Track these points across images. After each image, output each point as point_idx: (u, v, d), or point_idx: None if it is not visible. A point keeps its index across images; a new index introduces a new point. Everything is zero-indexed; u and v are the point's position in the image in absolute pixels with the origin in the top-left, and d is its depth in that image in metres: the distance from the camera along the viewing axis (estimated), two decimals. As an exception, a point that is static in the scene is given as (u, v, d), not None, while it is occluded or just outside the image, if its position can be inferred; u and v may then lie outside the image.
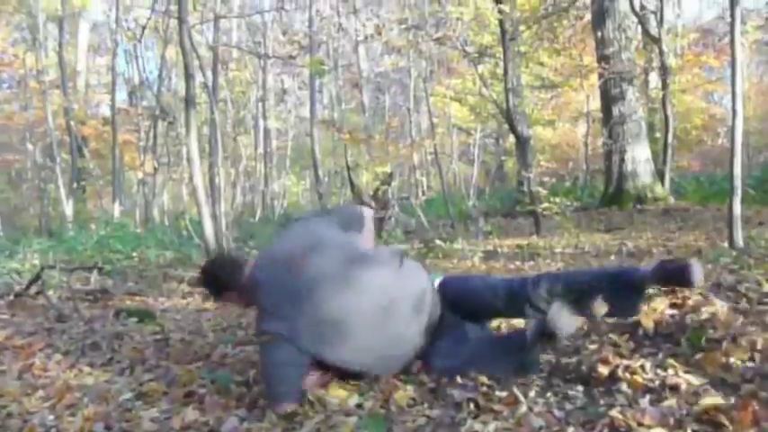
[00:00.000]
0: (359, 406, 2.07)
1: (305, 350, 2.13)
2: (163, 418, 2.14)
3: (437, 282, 2.48)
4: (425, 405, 2.04)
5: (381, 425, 1.85)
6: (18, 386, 2.66)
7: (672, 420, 1.76)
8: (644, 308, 3.08)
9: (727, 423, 1.71)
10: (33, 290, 5.01)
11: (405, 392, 2.11)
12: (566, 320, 2.10)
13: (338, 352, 2.16)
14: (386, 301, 2.20)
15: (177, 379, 2.56)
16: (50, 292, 4.87)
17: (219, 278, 2.43)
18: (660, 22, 10.29)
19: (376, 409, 2.02)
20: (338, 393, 2.15)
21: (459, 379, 2.21)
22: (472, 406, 1.98)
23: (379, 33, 9.31)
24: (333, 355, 2.16)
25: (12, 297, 4.94)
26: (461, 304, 2.40)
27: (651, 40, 10.70)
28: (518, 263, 5.21)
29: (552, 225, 7.30)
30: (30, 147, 20.08)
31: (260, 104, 16.59)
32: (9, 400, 2.46)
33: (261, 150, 17.39)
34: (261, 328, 2.22)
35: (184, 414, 2.12)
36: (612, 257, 5.03)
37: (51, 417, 2.22)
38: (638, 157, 9.77)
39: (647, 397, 1.95)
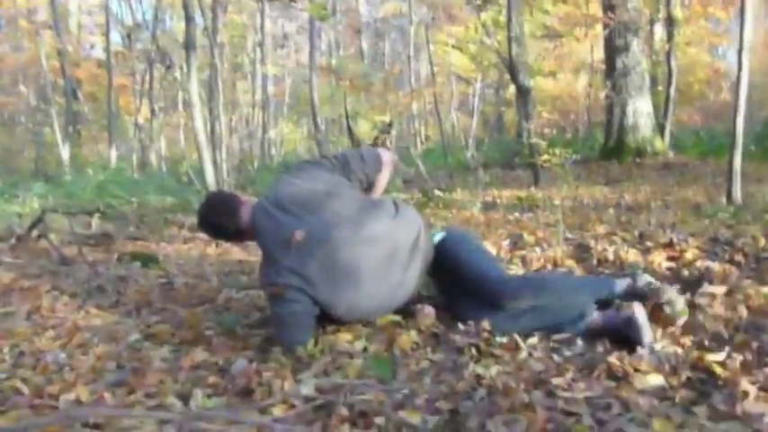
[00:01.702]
0: (364, 349, 2.13)
1: (315, 297, 2.16)
2: (172, 358, 2.20)
3: (437, 238, 2.50)
4: (428, 349, 2.11)
5: (387, 367, 1.90)
6: (28, 326, 2.72)
7: (667, 367, 1.83)
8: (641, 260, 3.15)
9: (719, 371, 1.77)
10: (35, 233, 5.03)
11: (408, 336, 2.18)
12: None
13: (349, 297, 2.18)
14: (390, 247, 2.22)
15: (184, 321, 2.61)
16: (52, 236, 4.89)
17: (217, 224, 2.42)
18: (668, -28, 10.08)
19: (381, 353, 2.09)
20: (344, 337, 2.21)
21: (460, 325, 2.27)
22: (474, 351, 2.05)
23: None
24: (343, 300, 2.18)
25: (14, 240, 4.98)
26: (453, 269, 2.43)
27: (658, -11, 10.49)
28: (516, 214, 5.24)
29: (551, 177, 7.31)
30: (23, 89, 19.81)
31: (258, 49, 16.30)
32: (20, 339, 2.52)
33: (259, 97, 17.19)
34: (270, 280, 2.21)
35: (193, 355, 2.18)
36: (611, 211, 5.06)
37: (63, 355, 2.28)
38: (640, 109, 9.70)
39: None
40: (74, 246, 4.70)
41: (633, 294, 2.29)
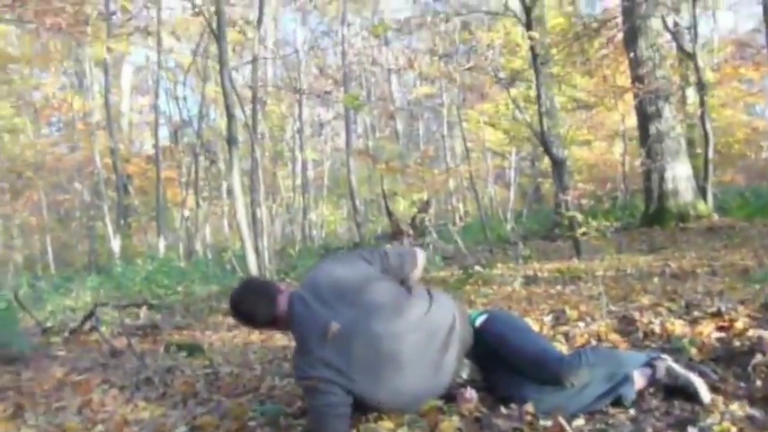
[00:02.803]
0: (407, 434, 2.12)
1: (351, 388, 2.17)
2: (217, 451, 2.22)
3: (480, 320, 2.50)
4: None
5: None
6: (78, 421, 2.78)
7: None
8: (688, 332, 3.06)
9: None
10: (87, 326, 5.20)
11: (450, 422, 2.15)
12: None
13: (390, 386, 2.19)
14: (427, 333, 2.24)
15: (229, 412, 2.64)
16: (103, 329, 5.04)
17: (251, 311, 2.42)
18: (694, 38, 10.21)
19: (423, 439, 2.07)
20: (386, 425, 2.20)
21: (503, 409, 2.24)
22: (518, 435, 2.01)
23: (412, 65, 9.46)
24: (384, 389, 2.19)
25: (67, 334, 5.15)
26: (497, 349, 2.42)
27: (686, 56, 10.60)
28: (558, 287, 5.18)
29: (593, 247, 7.24)
30: (78, 186, 20.86)
31: (297, 137, 16.92)
32: (71, 435, 2.58)
33: (299, 182, 17.68)
34: (303, 373, 2.23)
35: (238, 446, 2.20)
36: (656, 280, 4.96)
37: (112, 451, 2.32)
38: (679, 174, 9.62)
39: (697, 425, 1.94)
40: (123, 337, 4.82)
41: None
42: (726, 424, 1.90)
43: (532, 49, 7.23)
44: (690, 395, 2.15)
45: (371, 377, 2.17)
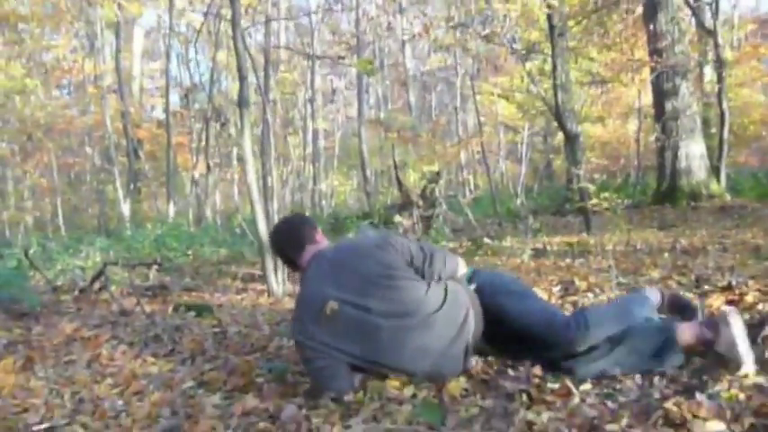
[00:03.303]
0: (413, 396, 2.12)
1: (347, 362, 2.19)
2: (224, 405, 2.24)
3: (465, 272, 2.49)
4: (478, 396, 2.08)
5: (436, 413, 1.89)
6: (88, 374, 2.81)
7: (729, 413, 1.75)
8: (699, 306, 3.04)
9: (786, 417, 1.69)
10: (97, 285, 5.24)
11: (457, 383, 2.16)
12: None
13: (390, 369, 2.22)
14: (434, 330, 2.21)
15: (236, 369, 2.66)
16: (113, 288, 5.08)
17: (277, 247, 2.54)
18: (715, 14, 10.01)
19: (430, 399, 2.07)
20: (393, 383, 2.21)
21: (510, 371, 2.24)
22: (525, 397, 2.01)
23: (427, 32, 9.30)
24: (384, 369, 2.22)
25: (77, 292, 5.19)
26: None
27: (705, 32, 10.41)
28: (568, 260, 5.16)
29: (603, 223, 7.19)
30: (88, 150, 20.90)
31: (308, 105, 16.82)
32: (80, 386, 2.61)
33: (309, 150, 17.63)
34: (296, 337, 2.28)
35: (245, 401, 2.21)
36: (666, 255, 4.93)
37: (120, 402, 2.35)
38: (693, 153, 9.51)
39: (705, 391, 1.94)
40: (133, 297, 4.86)
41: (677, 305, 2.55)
42: (734, 391, 1.89)
43: (549, 19, 7.11)
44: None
45: (368, 362, 2.18)
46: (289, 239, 2.45)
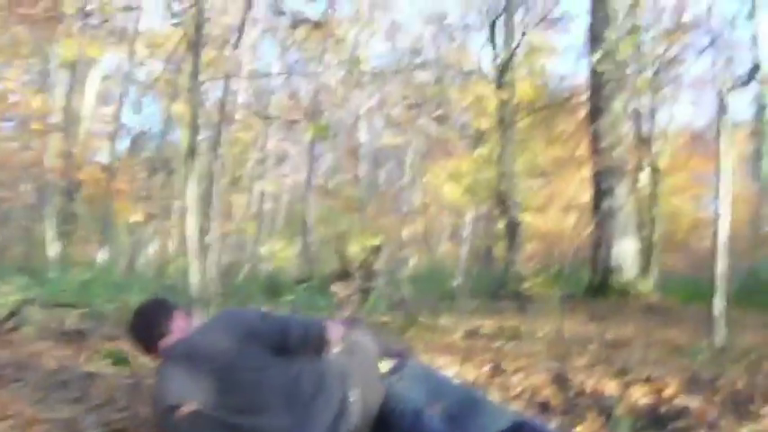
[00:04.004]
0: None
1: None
2: (129, 458, 2.11)
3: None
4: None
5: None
6: (-16, 415, 2.61)
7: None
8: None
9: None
10: (10, 324, 4.93)
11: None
12: None
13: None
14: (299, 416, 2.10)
15: (147, 421, 2.52)
16: (26, 328, 4.79)
17: (134, 336, 2.44)
18: (652, 125, 10.71)
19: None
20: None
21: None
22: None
23: (381, 107, 9.60)
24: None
25: (-14, 330, 4.87)
26: None
27: (642, 140, 11.09)
28: (500, 343, 5.21)
29: (536, 310, 7.32)
30: (22, 187, 20.12)
31: (259, 166, 16.84)
32: (-27, 427, 2.41)
33: (254, 211, 17.50)
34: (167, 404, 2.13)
35: (152, 455, 2.09)
36: (593, 346, 5.03)
37: (15, 447, 2.18)
38: (626, 251, 9.90)
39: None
40: (48, 340, 4.59)
41: None
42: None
43: (500, 110, 7.47)
44: None
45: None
46: (141, 335, 2.38)
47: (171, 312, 2.38)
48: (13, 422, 2.47)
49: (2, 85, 19.57)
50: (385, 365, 2.33)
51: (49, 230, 14.84)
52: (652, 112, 10.75)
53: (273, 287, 9.55)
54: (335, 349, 2.28)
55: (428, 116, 8.99)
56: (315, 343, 2.23)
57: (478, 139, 9.97)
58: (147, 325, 2.35)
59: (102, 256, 13.85)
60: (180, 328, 2.34)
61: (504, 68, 7.15)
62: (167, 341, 2.28)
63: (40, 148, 17.10)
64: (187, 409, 2.02)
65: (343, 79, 14.37)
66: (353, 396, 2.12)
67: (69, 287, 7.76)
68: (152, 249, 17.57)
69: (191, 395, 2.06)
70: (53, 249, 14.10)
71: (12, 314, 4.97)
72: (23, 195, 19.86)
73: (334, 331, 2.28)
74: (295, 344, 2.21)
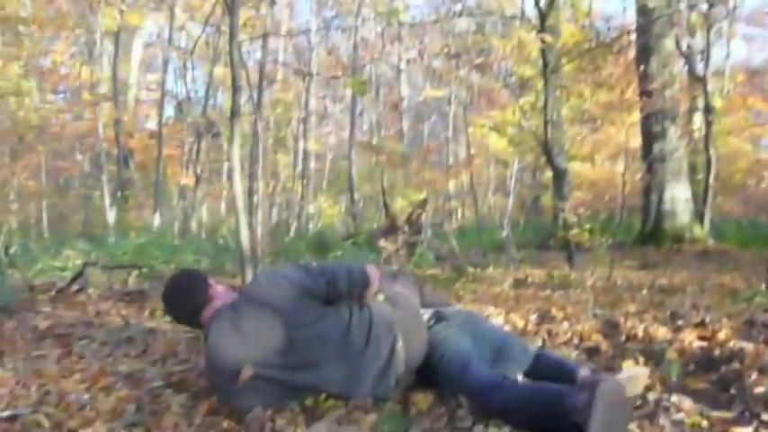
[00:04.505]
0: (379, 407, 2.12)
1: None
2: (190, 405, 2.22)
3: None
4: (444, 408, 2.08)
5: (400, 423, 1.89)
6: (56, 369, 2.79)
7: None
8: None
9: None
10: (75, 287, 5.20)
11: (425, 396, 2.16)
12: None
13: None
14: (353, 369, 2.18)
15: (206, 372, 2.63)
16: (91, 290, 5.04)
17: (175, 313, 2.40)
18: (706, 62, 10.25)
19: (396, 410, 2.07)
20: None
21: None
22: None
23: (422, 57, 9.43)
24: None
25: (54, 293, 5.14)
26: None
27: (696, 79, 10.64)
28: (548, 291, 5.19)
29: (586, 260, 7.25)
30: (79, 156, 20.83)
31: (301, 125, 16.92)
32: (48, 380, 2.58)
33: (299, 170, 17.69)
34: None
35: (211, 401, 2.20)
36: (645, 292, 4.98)
37: (86, 396, 2.33)
38: (678, 196, 9.65)
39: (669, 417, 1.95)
40: (109, 300, 4.83)
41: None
42: (697, 418, 1.92)
43: (543, 55, 7.25)
44: None
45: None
46: (183, 307, 2.33)
47: (206, 280, 2.37)
48: (80, 376, 2.63)
49: (51, 58, 20.11)
50: (429, 315, 2.42)
51: (107, 197, 15.36)
52: (706, 50, 10.24)
53: (321, 244, 9.72)
54: (379, 297, 2.37)
55: (470, 66, 8.81)
56: (360, 285, 2.30)
57: (522, 87, 9.73)
58: (188, 297, 2.30)
59: (157, 220, 14.28)
60: (218, 294, 2.33)
61: (547, 11, 6.89)
62: (209, 309, 2.26)
63: (92, 117, 17.58)
64: (245, 374, 2.06)
65: (382, 32, 14.19)
66: (399, 344, 2.20)
67: (128, 250, 8.08)
68: (203, 212, 18.03)
69: (246, 360, 2.07)
70: (111, 216, 14.61)
71: (76, 277, 5.22)
72: (80, 165, 20.60)
73: (374, 273, 2.36)
74: (343, 290, 2.26)
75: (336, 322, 2.21)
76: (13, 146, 18.89)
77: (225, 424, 1.97)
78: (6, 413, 2.09)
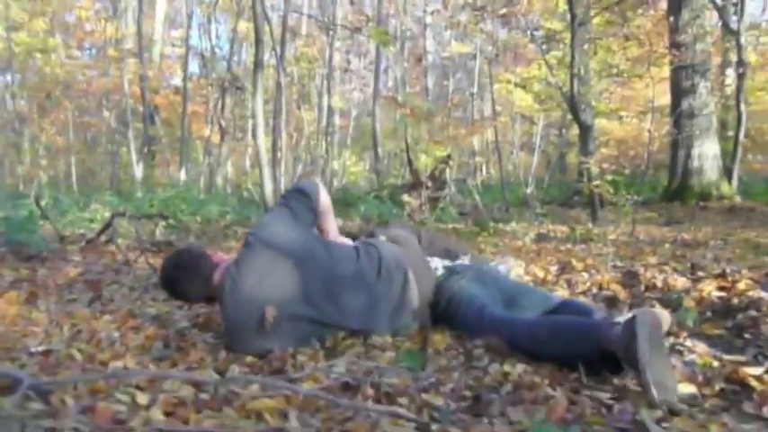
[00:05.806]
0: (398, 346, 2.18)
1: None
2: (215, 342, 2.31)
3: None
4: (460, 348, 2.14)
5: (417, 360, 1.95)
6: (88, 311, 2.89)
7: (701, 377, 1.80)
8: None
9: (755, 383, 1.73)
10: (104, 238, 5.34)
11: (443, 336, 2.22)
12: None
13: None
14: (374, 298, 2.26)
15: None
16: (119, 240, 5.17)
17: (183, 293, 2.42)
18: (740, 15, 9.90)
19: (414, 348, 2.13)
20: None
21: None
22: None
23: (446, 8, 9.25)
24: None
25: (84, 243, 5.30)
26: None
27: (729, 32, 10.30)
28: (569, 245, 5.20)
29: (609, 216, 7.20)
30: (105, 112, 21.05)
31: (325, 81, 16.82)
32: (80, 320, 2.69)
33: (323, 125, 17.67)
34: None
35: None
36: (667, 246, 4.96)
37: (116, 334, 2.43)
38: (706, 152, 9.47)
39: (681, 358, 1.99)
40: (137, 250, 4.95)
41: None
42: (708, 359, 1.94)
43: (571, 7, 7.08)
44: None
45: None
46: (192, 280, 2.34)
47: (204, 252, 2.44)
48: (110, 317, 2.74)
49: (76, 14, 20.17)
50: (445, 264, 2.49)
51: (133, 153, 15.58)
52: (740, 2, 9.87)
53: (345, 200, 9.80)
54: (381, 237, 2.50)
55: (495, 18, 8.63)
56: (312, 190, 2.40)
57: (549, 40, 9.52)
58: (195, 270, 2.33)
59: (183, 176, 14.48)
60: (221, 258, 2.43)
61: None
62: (218, 273, 2.29)
63: (118, 73, 17.69)
64: (269, 314, 2.10)
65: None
66: (411, 276, 2.32)
67: (155, 203, 8.24)
68: (229, 168, 18.18)
69: (266, 300, 2.12)
70: (138, 170, 14.84)
71: (105, 227, 5.36)
72: (107, 121, 20.84)
73: (317, 184, 2.47)
74: (313, 201, 2.36)
75: (345, 255, 2.31)
76: (41, 102, 19.16)
77: (248, 359, 2.05)
78: (41, 348, 2.19)
